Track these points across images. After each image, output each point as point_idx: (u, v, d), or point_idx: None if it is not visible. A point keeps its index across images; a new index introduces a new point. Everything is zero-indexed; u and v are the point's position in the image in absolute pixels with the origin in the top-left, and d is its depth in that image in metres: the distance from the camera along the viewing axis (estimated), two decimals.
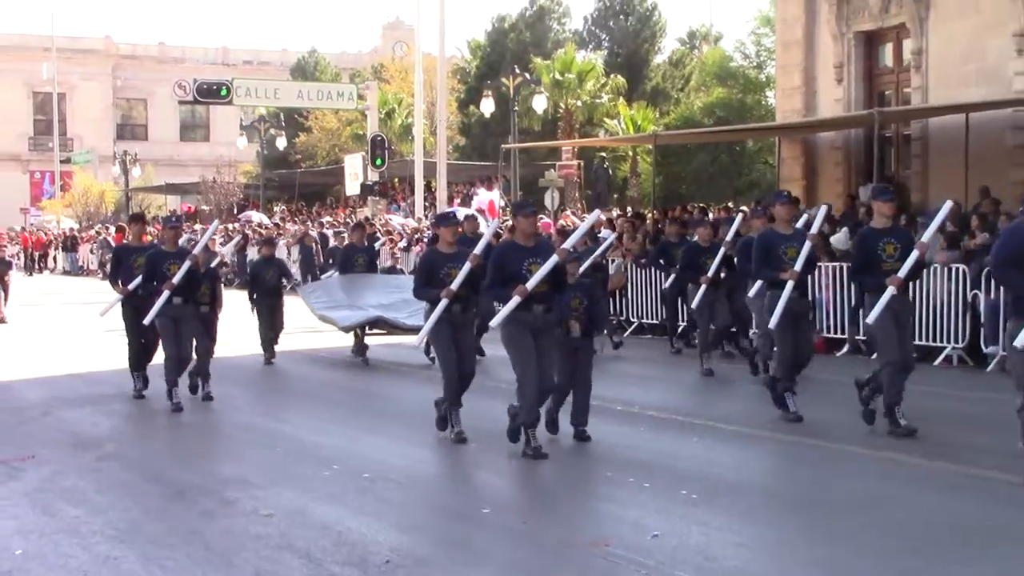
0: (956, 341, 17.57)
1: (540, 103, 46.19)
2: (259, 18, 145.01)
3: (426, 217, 40.24)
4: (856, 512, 9.13)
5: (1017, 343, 9.70)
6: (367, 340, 19.13)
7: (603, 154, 50.16)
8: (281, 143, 59.65)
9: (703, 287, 16.42)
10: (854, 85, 26.41)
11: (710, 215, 26.69)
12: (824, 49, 27.00)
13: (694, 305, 16.74)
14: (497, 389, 13.75)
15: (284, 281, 19.69)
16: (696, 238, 17.54)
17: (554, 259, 10.75)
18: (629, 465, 10.85)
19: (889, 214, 12.01)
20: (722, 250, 16.63)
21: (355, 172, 45.60)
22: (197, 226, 45.75)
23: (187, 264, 13.78)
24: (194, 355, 14.52)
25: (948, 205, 12.62)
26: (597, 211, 16.78)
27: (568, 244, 11.26)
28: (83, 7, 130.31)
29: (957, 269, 17.59)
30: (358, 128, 56.39)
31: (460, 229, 12.69)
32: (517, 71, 45.86)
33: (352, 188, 46.66)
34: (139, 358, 15.00)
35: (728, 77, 54.42)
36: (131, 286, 14.61)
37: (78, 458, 11.72)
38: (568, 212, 36.72)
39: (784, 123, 28.20)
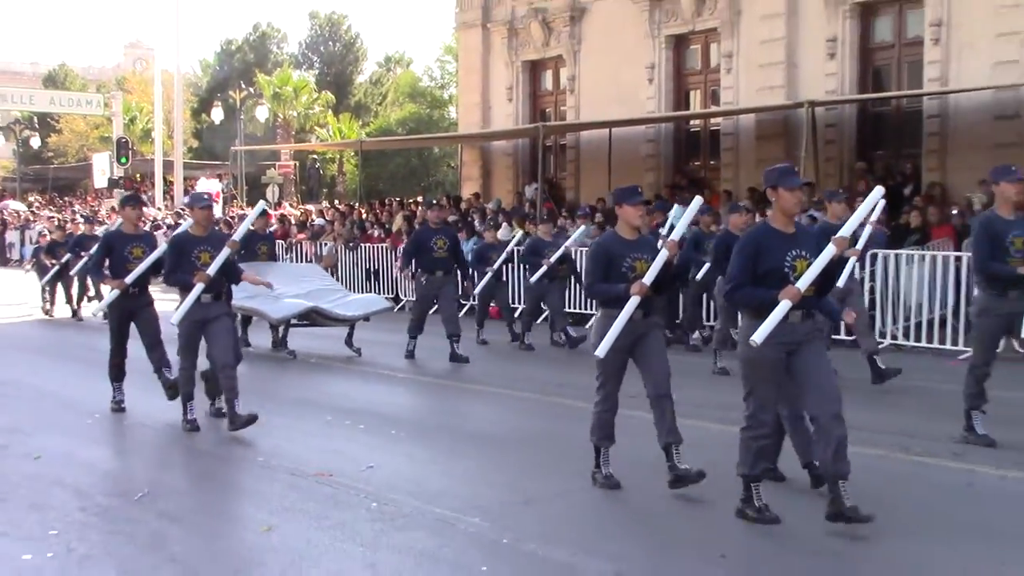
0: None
1: (262, 113, 46.01)
2: (10, 33, 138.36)
3: (165, 207, 39.11)
4: (530, 445, 9.40)
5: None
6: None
7: (315, 156, 50.00)
8: (35, 142, 57.52)
9: (541, 271, 15.15)
10: (522, 104, 27.00)
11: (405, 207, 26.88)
12: (497, 74, 27.47)
13: (532, 281, 15.40)
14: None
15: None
16: (540, 233, 16.03)
17: (831, 249, 6.59)
18: (346, 411, 10.78)
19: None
20: (561, 249, 15.22)
21: (103, 168, 44.82)
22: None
23: (225, 253, 9.66)
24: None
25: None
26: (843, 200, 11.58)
27: (847, 231, 6.72)
28: None
29: None
30: (104, 131, 54.61)
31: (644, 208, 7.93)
32: (243, 85, 45.62)
33: (100, 182, 45.57)
34: (121, 367, 10.86)
35: (418, 95, 55.09)
36: (129, 279, 10.38)
37: None
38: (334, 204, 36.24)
39: (466, 133, 28.56)
